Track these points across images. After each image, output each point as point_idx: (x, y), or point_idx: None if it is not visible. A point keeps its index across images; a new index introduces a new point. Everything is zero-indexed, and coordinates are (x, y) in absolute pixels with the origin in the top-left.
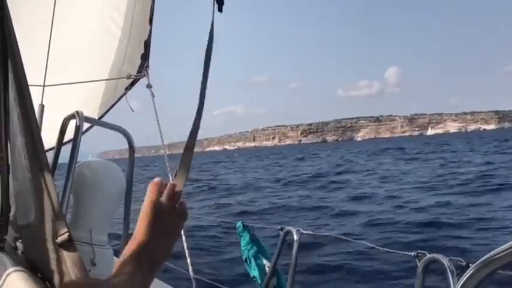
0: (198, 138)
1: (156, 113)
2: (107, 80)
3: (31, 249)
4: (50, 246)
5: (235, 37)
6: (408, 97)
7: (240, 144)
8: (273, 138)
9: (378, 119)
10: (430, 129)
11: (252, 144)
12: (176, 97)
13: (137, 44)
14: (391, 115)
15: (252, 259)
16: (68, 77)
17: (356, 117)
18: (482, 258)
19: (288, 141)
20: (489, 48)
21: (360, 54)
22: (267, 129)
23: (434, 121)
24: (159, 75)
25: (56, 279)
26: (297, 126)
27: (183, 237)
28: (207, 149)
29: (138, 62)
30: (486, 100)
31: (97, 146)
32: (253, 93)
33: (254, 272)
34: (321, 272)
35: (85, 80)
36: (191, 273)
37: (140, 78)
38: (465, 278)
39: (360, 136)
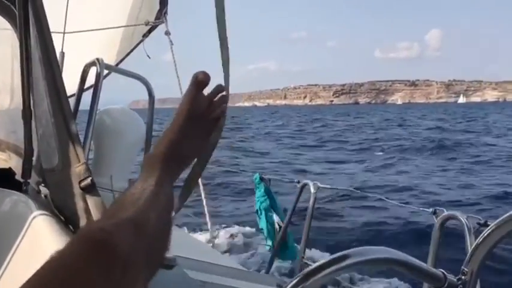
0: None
1: (174, 61)
2: (124, 26)
3: (55, 192)
4: (74, 190)
5: None
6: (447, 62)
7: (270, 101)
8: (304, 97)
9: (413, 83)
10: (462, 96)
11: (283, 102)
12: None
13: None
14: (428, 80)
15: (263, 211)
16: (86, 25)
17: (391, 80)
18: (502, 217)
19: (319, 101)
20: None
21: (402, 14)
22: (299, 88)
23: (472, 88)
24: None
25: (80, 222)
26: (330, 86)
27: (201, 186)
28: (237, 105)
29: (156, 8)
30: None
31: (129, 95)
32: (289, 49)
33: (262, 225)
34: (336, 226)
35: (103, 27)
36: (208, 220)
37: (158, 25)
38: (484, 236)
39: (397, 99)
